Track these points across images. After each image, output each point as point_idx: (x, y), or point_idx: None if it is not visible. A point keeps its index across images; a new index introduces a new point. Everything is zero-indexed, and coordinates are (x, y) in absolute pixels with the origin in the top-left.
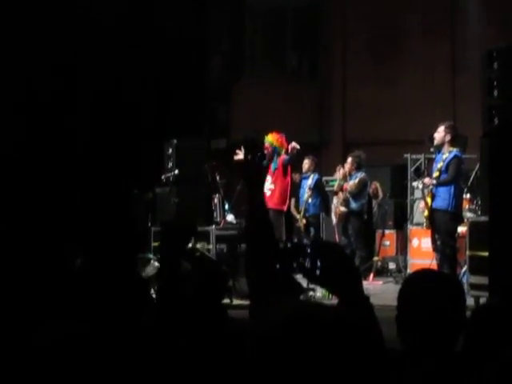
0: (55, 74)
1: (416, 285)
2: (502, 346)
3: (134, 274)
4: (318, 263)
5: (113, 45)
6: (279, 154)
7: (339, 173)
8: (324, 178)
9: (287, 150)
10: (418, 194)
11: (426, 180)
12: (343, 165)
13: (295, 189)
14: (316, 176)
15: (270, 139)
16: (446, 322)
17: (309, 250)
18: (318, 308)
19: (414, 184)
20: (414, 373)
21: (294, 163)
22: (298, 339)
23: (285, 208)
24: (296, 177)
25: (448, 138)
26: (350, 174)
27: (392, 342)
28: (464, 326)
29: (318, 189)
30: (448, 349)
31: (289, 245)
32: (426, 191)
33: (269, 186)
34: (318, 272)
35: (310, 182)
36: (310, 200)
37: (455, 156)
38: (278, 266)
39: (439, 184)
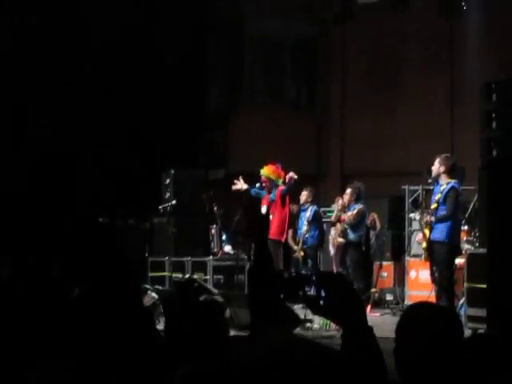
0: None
1: (414, 318)
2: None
3: (140, 306)
4: (322, 293)
5: (109, 73)
6: (277, 185)
7: (338, 204)
8: (322, 209)
9: (285, 179)
10: (415, 225)
11: (427, 219)
12: (342, 196)
13: (293, 219)
14: (314, 208)
15: (266, 172)
16: (444, 356)
17: (314, 280)
18: (304, 348)
19: (412, 215)
20: None
21: (292, 193)
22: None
23: (283, 239)
24: (294, 208)
25: (442, 169)
26: (349, 205)
27: (390, 374)
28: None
29: (316, 221)
30: (446, 382)
31: (293, 274)
32: (423, 223)
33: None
34: (321, 302)
35: (308, 214)
36: (307, 232)
37: (452, 187)
38: (282, 296)
39: (438, 221)
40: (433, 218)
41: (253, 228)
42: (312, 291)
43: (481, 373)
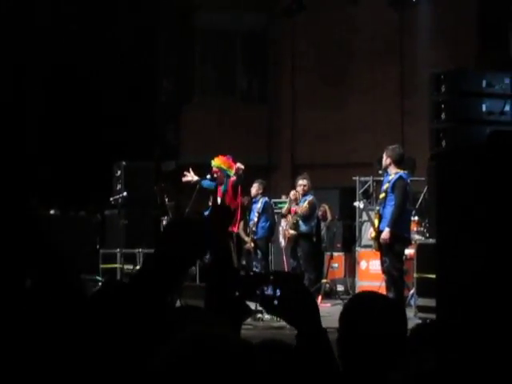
0: None
1: (356, 308)
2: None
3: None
4: (278, 293)
5: (60, 64)
6: (229, 176)
7: (290, 195)
8: (273, 201)
9: (236, 171)
10: (366, 216)
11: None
12: (294, 188)
13: (244, 211)
14: (265, 199)
15: (217, 163)
16: (387, 345)
17: (271, 279)
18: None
19: (356, 204)
20: None
21: (242, 184)
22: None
23: (235, 229)
24: (245, 200)
25: (388, 161)
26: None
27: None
28: (405, 347)
29: (267, 212)
30: (388, 371)
31: (251, 273)
32: (372, 213)
33: None
34: (275, 302)
35: (259, 205)
36: (258, 223)
37: (400, 177)
38: (237, 293)
39: (394, 220)
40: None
41: (217, 221)
42: (269, 291)
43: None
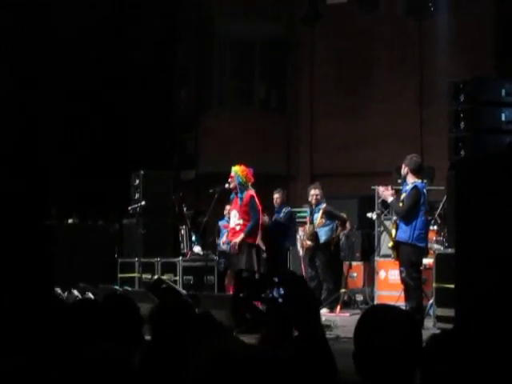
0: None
1: (370, 321)
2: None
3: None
4: (281, 291)
5: (79, 73)
6: (242, 185)
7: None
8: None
9: (253, 184)
10: (382, 226)
11: (381, 188)
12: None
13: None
14: (288, 209)
15: (236, 169)
16: (402, 357)
17: (276, 281)
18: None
19: (369, 215)
20: None
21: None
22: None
23: (256, 241)
24: (265, 219)
25: (406, 170)
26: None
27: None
28: (421, 359)
29: (290, 222)
30: (406, 381)
31: (257, 276)
32: (389, 223)
33: (236, 221)
34: (280, 300)
35: (281, 215)
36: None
37: (414, 187)
38: (242, 295)
39: (396, 212)
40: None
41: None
42: (275, 293)
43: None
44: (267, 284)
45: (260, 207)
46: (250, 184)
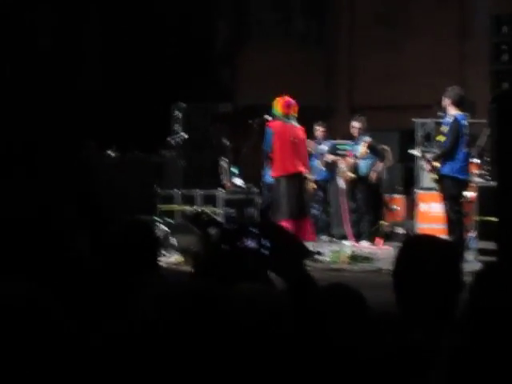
0: None
1: (410, 251)
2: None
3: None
4: (267, 244)
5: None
6: (273, 116)
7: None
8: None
9: (286, 114)
10: (424, 161)
11: (427, 167)
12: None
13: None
14: (329, 142)
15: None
16: (441, 287)
17: (253, 231)
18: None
19: (412, 151)
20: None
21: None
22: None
23: (283, 172)
24: (311, 144)
25: (448, 101)
26: (357, 139)
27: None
28: (460, 289)
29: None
30: (446, 312)
31: (232, 227)
32: (430, 155)
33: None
34: (265, 252)
35: (324, 147)
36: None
37: (455, 120)
38: (224, 246)
39: (437, 159)
40: (429, 157)
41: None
42: (249, 242)
43: (490, 305)
44: (243, 234)
45: (278, 138)
46: (281, 115)
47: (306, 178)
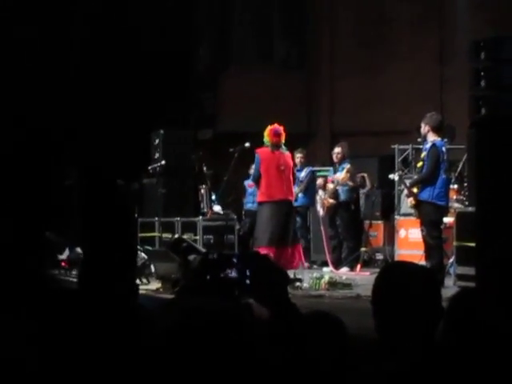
0: None
1: (388, 279)
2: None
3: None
4: (247, 273)
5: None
6: (263, 143)
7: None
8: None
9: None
10: (403, 186)
11: (406, 193)
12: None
13: None
14: (309, 169)
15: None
16: (421, 314)
17: (234, 261)
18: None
19: (391, 176)
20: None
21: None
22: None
23: (269, 198)
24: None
25: (426, 128)
26: (337, 165)
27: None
28: (440, 315)
29: (311, 181)
30: (426, 339)
31: (215, 256)
32: (408, 181)
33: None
34: (247, 281)
35: (303, 174)
36: (300, 193)
37: (433, 145)
38: (209, 277)
39: (415, 184)
40: (407, 183)
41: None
42: (233, 273)
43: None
44: (225, 265)
45: (265, 165)
46: (269, 143)
47: (292, 205)
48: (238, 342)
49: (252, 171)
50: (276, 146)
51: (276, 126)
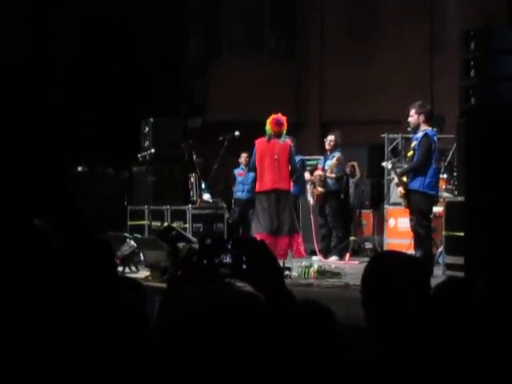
0: None
1: (377, 268)
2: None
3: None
4: (243, 258)
5: (88, 22)
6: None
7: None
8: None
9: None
10: (394, 174)
11: (396, 181)
12: (323, 145)
13: None
14: (299, 158)
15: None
16: (410, 303)
17: (229, 246)
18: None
19: (384, 164)
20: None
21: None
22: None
23: (259, 188)
24: None
25: (422, 118)
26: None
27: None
28: (429, 304)
29: (301, 170)
30: (414, 327)
31: (209, 241)
32: (395, 183)
33: None
34: (243, 266)
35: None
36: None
37: (425, 135)
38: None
39: (406, 173)
40: (398, 171)
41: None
42: (227, 258)
43: (454, 318)
44: (220, 250)
45: (259, 155)
46: (270, 131)
47: (287, 194)
48: (255, 329)
49: (241, 159)
50: (277, 135)
51: (279, 115)
